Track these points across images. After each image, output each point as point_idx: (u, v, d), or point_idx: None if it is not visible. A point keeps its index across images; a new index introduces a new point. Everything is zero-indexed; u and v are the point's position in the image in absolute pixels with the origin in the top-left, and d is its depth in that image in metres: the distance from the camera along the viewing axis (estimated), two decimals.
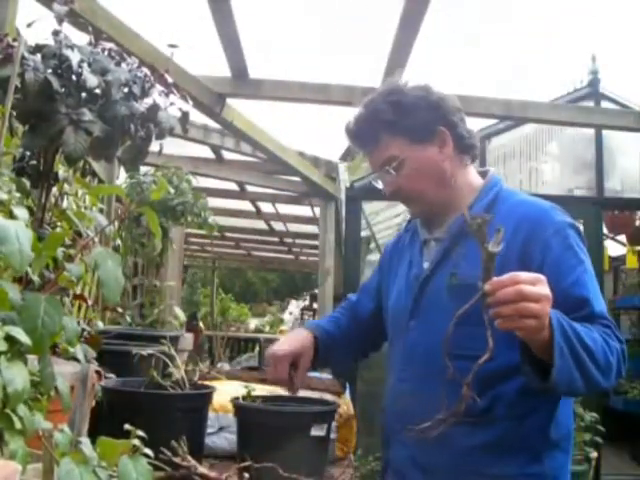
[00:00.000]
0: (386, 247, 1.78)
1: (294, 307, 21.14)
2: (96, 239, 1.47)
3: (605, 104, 5.99)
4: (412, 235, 1.60)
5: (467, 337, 1.12)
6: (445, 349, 1.08)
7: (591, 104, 5.93)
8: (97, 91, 1.42)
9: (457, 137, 1.40)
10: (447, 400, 1.08)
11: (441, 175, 1.40)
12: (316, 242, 7.51)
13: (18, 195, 1.21)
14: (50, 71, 1.36)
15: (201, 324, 7.19)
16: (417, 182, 1.38)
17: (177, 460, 1.49)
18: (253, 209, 8.65)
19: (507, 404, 1.26)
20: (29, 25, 1.57)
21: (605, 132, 5.87)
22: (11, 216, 1.03)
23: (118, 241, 3.54)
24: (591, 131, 5.89)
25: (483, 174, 1.50)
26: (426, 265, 1.43)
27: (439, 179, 1.40)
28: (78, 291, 2.42)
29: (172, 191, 3.34)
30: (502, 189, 1.44)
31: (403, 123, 1.36)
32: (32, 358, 1.08)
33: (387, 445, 1.54)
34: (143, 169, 3.75)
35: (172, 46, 1.79)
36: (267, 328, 14.21)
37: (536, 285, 1.07)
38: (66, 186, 1.98)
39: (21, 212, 1.05)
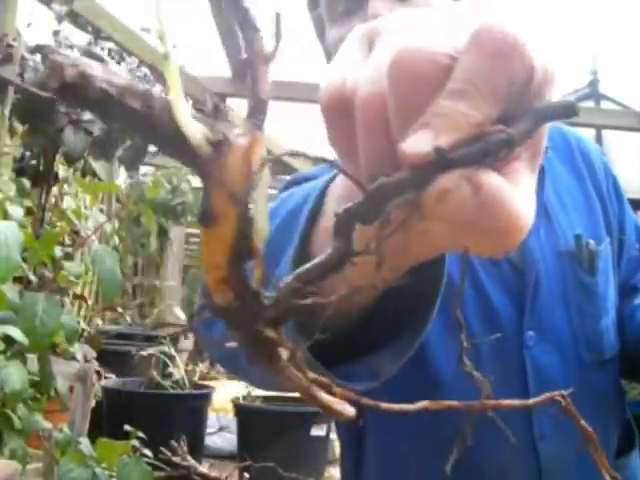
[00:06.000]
0: None
1: None
2: (94, 237, 1.47)
3: (605, 104, 6.00)
4: None
5: (596, 333, 0.86)
6: None
7: (591, 104, 5.94)
8: None
9: None
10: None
11: None
12: None
13: (13, 194, 1.21)
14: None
15: None
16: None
17: (177, 460, 1.49)
18: None
19: None
20: (29, 25, 1.57)
21: (605, 132, 5.87)
22: (5, 216, 1.03)
23: (117, 240, 3.54)
24: (591, 131, 5.89)
25: None
26: None
27: None
28: (78, 291, 2.42)
29: (167, 187, 3.35)
30: None
31: None
32: (33, 358, 1.08)
33: None
34: (143, 169, 3.76)
35: (172, 46, 1.79)
36: None
37: None
38: (66, 186, 1.98)
39: (16, 211, 1.05)
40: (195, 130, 0.23)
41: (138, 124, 0.23)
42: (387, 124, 0.27)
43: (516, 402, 0.29)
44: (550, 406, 0.91)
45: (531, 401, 0.29)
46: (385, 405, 0.27)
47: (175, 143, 0.23)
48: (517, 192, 0.26)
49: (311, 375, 0.26)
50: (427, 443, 0.80)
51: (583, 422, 0.29)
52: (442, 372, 0.83)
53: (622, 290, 0.94)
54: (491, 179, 0.25)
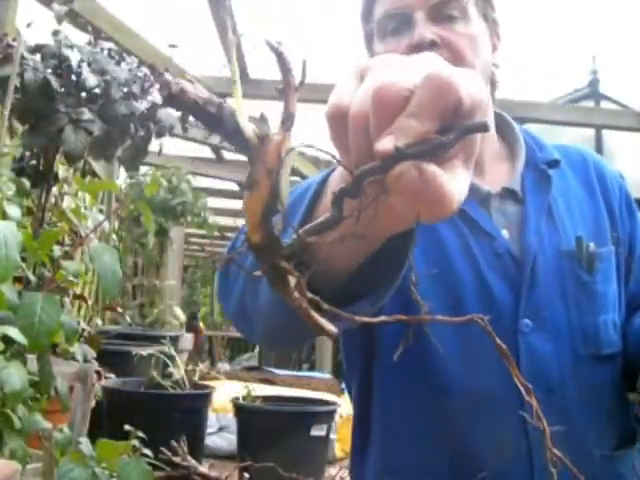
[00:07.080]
0: None
1: None
2: (93, 236, 1.47)
3: (605, 104, 5.99)
4: None
5: (593, 328, 0.93)
6: None
7: (591, 104, 5.93)
8: (97, 90, 1.42)
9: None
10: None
11: (489, 74, 0.99)
12: None
13: (11, 193, 1.21)
14: (50, 71, 1.36)
15: (201, 324, 7.20)
16: (470, 49, 0.92)
17: (177, 460, 1.49)
18: None
19: None
20: (29, 25, 1.57)
21: (605, 132, 5.87)
22: (4, 216, 1.03)
23: (116, 240, 3.54)
24: (591, 131, 5.89)
25: None
26: (505, 233, 0.96)
27: (486, 75, 0.97)
28: (78, 291, 2.42)
29: (165, 184, 3.35)
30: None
31: None
32: (32, 358, 1.08)
33: None
34: (143, 169, 3.75)
35: (172, 46, 1.79)
36: None
37: None
38: (65, 186, 1.98)
39: (14, 211, 1.05)
40: (249, 128, 0.37)
41: (213, 123, 0.37)
42: (368, 131, 0.40)
43: (445, 318, 0.39)
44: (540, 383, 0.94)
45: (455, 319, 0.39)
46: (358, 318, 0.38)
47: (235, 135, 0.37)
48: (451, 178, 0.39)
49: (309, 295, 0.37)
50: (422, 387, 0.92)
51: (498, 340, 0.38)
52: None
53: (631, 304, 0.98)
54: (431, 167, 0.38)
